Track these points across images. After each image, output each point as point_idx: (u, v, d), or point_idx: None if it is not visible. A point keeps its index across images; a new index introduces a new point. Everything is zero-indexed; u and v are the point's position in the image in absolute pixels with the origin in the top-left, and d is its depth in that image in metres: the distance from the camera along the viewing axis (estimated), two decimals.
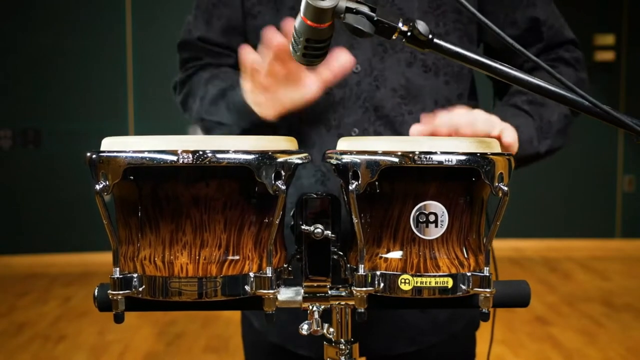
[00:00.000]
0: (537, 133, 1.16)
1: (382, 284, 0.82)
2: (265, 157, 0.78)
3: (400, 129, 1.20)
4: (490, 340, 1.36)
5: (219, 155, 0.77)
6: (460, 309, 0.88)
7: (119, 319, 0.82)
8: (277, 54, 1.05)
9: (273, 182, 0.78)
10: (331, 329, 0.89)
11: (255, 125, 1.15)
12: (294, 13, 1.06)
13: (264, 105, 1.13)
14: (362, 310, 0.83)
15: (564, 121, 1.20)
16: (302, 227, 0.86)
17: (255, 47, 1.27)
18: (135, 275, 0.81)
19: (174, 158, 0.76)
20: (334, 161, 0.84)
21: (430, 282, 0.82)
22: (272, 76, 1.09)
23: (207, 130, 1.26)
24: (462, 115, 0.99)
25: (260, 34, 1.26)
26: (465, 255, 0.84)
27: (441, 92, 1.22)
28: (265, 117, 1.14)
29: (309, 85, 1.12)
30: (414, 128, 1.00)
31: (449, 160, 0.78)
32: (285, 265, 0.88)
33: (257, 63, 1.09)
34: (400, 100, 1.20)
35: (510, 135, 1.00)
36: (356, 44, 1.19)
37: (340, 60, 1.09)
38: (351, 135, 1.19)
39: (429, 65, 1.21)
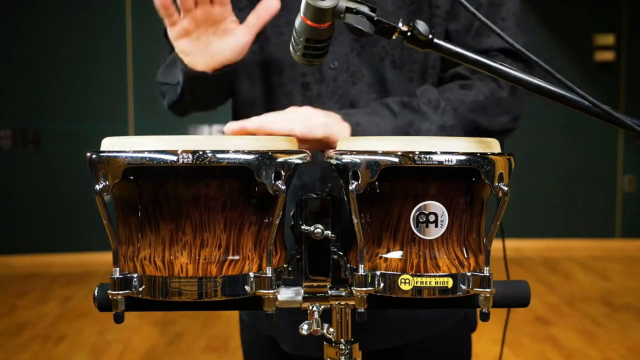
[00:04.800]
0: (396, 134, 1.11)
1: (382, 284, 0.82)
2: (265, 157, 0.78)
3: None
4: (502, 342, 1.35)
5: (218, 155, 0.77)
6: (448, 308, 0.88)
7: (119, 319, 0.82)
8: None
9: (273, 182, 0.78)
10: (331, 329, 0.89)
11: (198, 82, 1.13)
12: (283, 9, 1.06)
13: (192, 53, 1.11)
14: (362, 310, 0.83)
15: (436, 134, 1.13)
16: (302, 227, 0.86)
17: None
18: (135, 275, 0.81)
19: (174, 158, 0.76)
20: (333, 161, 0.84)
21: (430, 282, 0.82)
22: (191, 17, 1.07)
23: (162, 95, 1.26)
24: (292, 116, 0.99)
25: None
26: (465, 255, 0.84)
27: (409, 88, 1.20)
28: (196, 68, 1.12)
29: (238, 34, 1.10)
30: (228, 126, 1.02)
31: (449, 160, 0.78)
32: (285, 265, 0.88)
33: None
34: (376, 95, 1.19)
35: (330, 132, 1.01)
36: (333, 39, 1.18)
37: (267, 4, 1.08)
38: None
39: (395, 61, 1.20)
